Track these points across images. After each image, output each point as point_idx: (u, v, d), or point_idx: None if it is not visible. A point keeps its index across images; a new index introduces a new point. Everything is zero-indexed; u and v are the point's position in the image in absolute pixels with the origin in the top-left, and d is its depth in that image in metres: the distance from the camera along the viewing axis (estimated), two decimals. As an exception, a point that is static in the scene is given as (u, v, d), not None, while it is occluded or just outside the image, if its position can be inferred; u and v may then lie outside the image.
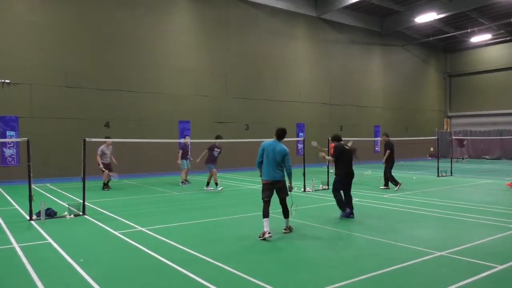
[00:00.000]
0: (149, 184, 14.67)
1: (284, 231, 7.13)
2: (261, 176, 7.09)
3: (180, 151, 14.32)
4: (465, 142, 27.61)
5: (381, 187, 13.12)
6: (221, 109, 20.98)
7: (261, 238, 6.59)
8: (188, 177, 15.00)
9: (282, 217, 7.22)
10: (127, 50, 18.18)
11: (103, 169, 13.01)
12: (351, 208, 8.51)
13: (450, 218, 8.39)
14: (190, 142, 15.20)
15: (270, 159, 6.91)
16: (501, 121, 30.44)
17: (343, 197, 8.58)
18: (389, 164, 13.05)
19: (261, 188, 7.05)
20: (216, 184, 12.96)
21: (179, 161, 14.28)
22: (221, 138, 13.11)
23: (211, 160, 12.94)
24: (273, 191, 7.01)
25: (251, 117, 21.92)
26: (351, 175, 8.65)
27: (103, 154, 13.13)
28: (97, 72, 17.42)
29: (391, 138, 13.59)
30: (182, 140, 15.39)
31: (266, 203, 6.94)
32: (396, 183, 12.80)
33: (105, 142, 12.90)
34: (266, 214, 6.82)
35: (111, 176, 12.96)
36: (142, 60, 18.57)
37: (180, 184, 14.33)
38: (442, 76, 34.31)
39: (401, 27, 27.96)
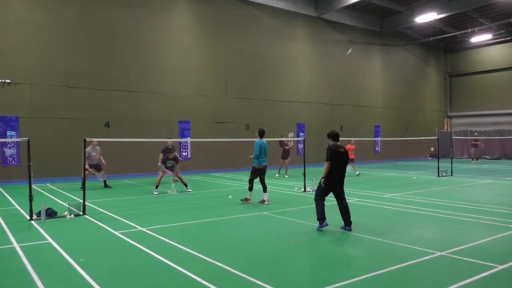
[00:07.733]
0: (149, 184, 14.64)
1: (260, 202, 10.18)
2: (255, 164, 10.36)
3: (161, 154, 12.82)
4: (478, 143, 26.67)
5: None
6: (221, 109, 20.98)
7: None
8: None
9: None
10: (127, 50, 18.18)
11: (88, 169, 12.97)
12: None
13: (450, 218, 8.39)
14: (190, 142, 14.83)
15: (266, 152, 10.09)
16: (501, 121, 30.44)
17: (339, 208, 7.41)
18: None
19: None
20: (157, 187, 12.44)
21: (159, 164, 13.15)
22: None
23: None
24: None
25: (251, 117, 21.91)
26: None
27: (89, 155, 12.98)
28: (97, 72, 17.42)
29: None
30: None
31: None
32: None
33: (91, 143, 12.96)
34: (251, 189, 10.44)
35: (97, 176, 13.36)
36: (142, 60, 18.57)
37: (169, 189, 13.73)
38: (442, 76, 34.30)
39: (401, 27, 27.96)
